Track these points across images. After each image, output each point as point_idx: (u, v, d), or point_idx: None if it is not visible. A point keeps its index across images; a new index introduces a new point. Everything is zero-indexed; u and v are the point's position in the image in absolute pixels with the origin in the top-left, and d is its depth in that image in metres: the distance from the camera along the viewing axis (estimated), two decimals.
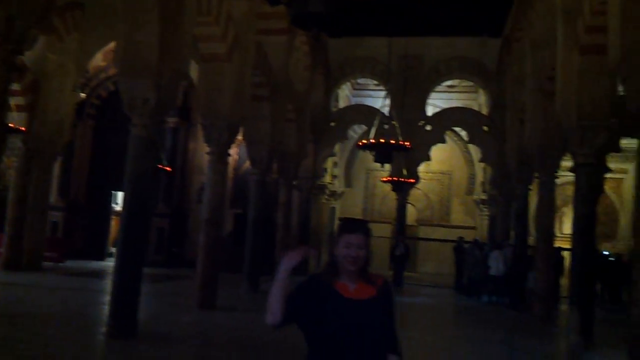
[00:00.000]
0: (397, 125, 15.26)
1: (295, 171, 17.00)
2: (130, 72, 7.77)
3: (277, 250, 16.61)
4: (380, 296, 2.32)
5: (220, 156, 10.81)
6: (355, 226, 2.35)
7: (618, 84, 8.92)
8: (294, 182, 17.63)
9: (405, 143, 14.45)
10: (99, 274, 15.26)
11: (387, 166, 18.95)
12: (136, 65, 7.70)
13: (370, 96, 23.09)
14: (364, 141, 15.16)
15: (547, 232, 12.16)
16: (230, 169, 18.87)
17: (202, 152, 16.48)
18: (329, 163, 22.94)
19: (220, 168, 10.87)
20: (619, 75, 7.46)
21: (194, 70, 12.45)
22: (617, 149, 16.26)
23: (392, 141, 13.97)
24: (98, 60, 19.67)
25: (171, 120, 19.31)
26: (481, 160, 20.50)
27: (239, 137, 14.42)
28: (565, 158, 12.79)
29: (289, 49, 14.62)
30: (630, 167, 21.15)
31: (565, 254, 14.76)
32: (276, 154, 14.47)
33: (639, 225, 6.64)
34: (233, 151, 18.65)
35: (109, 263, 16.00)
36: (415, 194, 22.78)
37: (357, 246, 2.28)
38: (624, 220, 22.97)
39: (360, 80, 23.90)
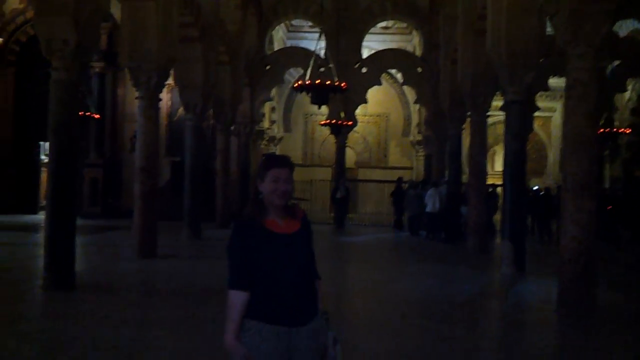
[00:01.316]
0: (332, 66, 15.10)
1: (232, 116, 16.66)
2: (46, 10, 7.24)
3: (216, 197, 16.45)
4: (303, 228, 2.43)
5: (150, 101, 10.40)
6: (282, 161, 2.43)
7: (546, 23, 9.11)
8: (232, 128, 17.31)
9: (341, 84, 14.35)
10: (32, 228, 14.73)
11: (325, 109, 18.90)
12: (52, 3, 7.17)
13: (306, 38, 22.67)
14: (300, 83, 14.94)
15: (480, 169, 12.57)
16: (163, 116, 18.31)
17: (132, 98, 15.83)
18: (266, 108, 22.63)
19: (151, 114, 10.48)
20: (547, 13, 7.58)
21: (118, 10, 11.75)
22: (546, 88, 16.87)
23: (328, 82, 13.83)
24: (15, 1, 18.29)
25: (97, 65, 18.40)
26: (416, 102, 20.74)
27: (171, 81, 13.95)
28: (496, 98, 13.13)
29: None
30: (558, 105, 22.04)
31: (499, 190, 15.39)
32: (211, 98, 14.07)
33: (566, 161, 6.92)
34: (165, 96, 18.05)
35: (42, 216, 15.42)
36: (353, 137, 22.95)
37: (284, 180, 2.35)
38: (553, 156, 24.10)
39: (294, 22, 23.39)
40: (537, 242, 15.12)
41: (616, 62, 16.35)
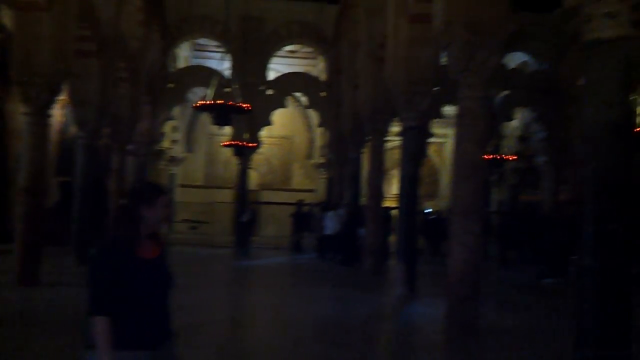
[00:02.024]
0: (237, 87, 14.96)
1: (130, 135, 16.02)
2: None
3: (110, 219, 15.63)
4: (163, 253, 2.47)
5: (38, 117, 9.74)
6: (163, 187, 2.49)
7: (440, 53, 9.59)
8: (128, 147, 16.63)
9: (245, 105, 14.23)
10: None
11: (229, 130, 18.70)
12: None
13: (212, 57, 22.40)
14: (201, 102, 14.63)
15: (377, 192, 12.89)
16: (55, 133, 17.24)
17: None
18: (168, 127, 22.02)
19: (39, 131, 9.81)
20: (441, 44, 7.96)
21: (10, 21, 11.00)
22: (440, 115, 17.68)
23: (230, 103, 13.67)
24: None
25: None
26: (320, 125, 21.06)
27: (64, 97, 13.20)
28: (394, 124, 13.60)
29: (119, 0, 13.55)
30: (451, 132, 23.19)
31: (395, 212, 15.84)
32: (107, 115, 13.45)
33: (454, 185, 7.23)
34: (58, 113, 17.03)
35: None
36: (257, 158, 22.81)
37: (168, 206, 2.42)
38: (445, 180, 25.27)
39: (200, 41, 23.07)
40: (429, 263, 15.66)
41: (505, 92, 17.50)
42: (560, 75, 16.05)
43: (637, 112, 12.42)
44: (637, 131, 12.05)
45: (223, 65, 17.71)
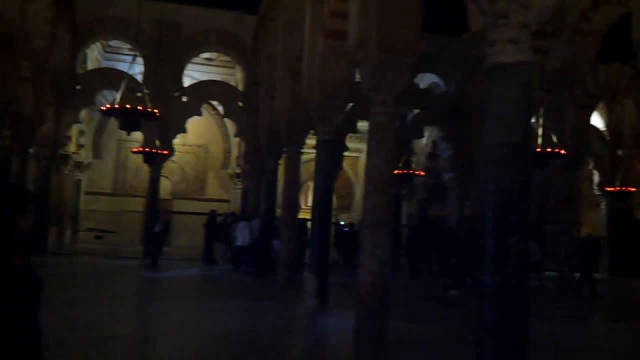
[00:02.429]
0: (147, 92, 14.46)
1: (32, 137, 15.11)
2: None
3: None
4: (28, 260, 2.27)
5: None
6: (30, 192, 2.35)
7: (355, 69, 9.79)
8: (30, 150, 15.67)
9: (154, 111, 13.75)
10: None
11: (140, 136, 18.08)
12: None
13: (124, 60, 21.56)
14: (108, 106, 13.96)
15: (292, 204, 12.91)
16: None
17: None
18: (74, 131, 20.96)
19: None
20: (356, 60, 8.13)
21: None
22: (355, 130, 18.06)
23: (140, 108, 13.18)
24: None
25: None
26: (236, 135, 20.87)
27: None
28: (311, 136, 13.71)
29: None
30: (365, 146, 23.72)
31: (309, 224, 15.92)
32: (7, 116, 12.62)
33: (365, 199, 7.36)
34: None
35: None
36: (170, 166, 22.24)
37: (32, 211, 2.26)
38: (359, 193, 25.77)
39: (112, 43, 22.24)
40: (343, 275, 15.86)
41: (415, 111, 18.17)
42: (466, 97, 16.88)
43: (536, 133, 13.29)
44: (536, 151, 12.92)
45: (135, 69, 17.11)
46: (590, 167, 21.90)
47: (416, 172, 17.96)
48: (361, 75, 7.81)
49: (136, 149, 18.38)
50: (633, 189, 21.20)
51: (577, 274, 14.42)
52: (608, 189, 21.36)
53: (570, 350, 8.02)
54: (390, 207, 7.30)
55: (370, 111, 7.54)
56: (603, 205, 22.55)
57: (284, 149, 13.67)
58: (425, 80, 19.71)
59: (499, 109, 4.45)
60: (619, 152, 22.14)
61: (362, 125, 17.89)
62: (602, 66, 14.64)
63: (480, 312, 4.45)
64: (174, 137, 18.83)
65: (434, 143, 21.67)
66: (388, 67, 7.22)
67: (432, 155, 22.41)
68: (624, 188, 20.83)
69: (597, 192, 22.59)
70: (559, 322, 10.19)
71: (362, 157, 24.64)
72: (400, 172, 16.84)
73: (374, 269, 6.90)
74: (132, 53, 20.15)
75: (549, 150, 13.32)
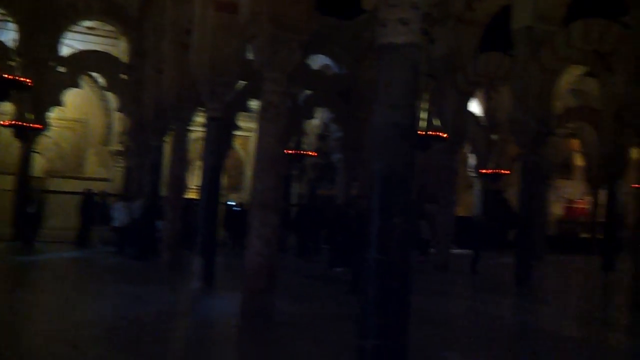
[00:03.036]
0: (19, 60, 13.19)
1: None
2: None
3: None
4: None
5: None
6: None
7: (246, 44, 9.55)
8: None
9: (26, 80, 12.55)
10: None
11: (10, 108, 16.55)
12: None
13: None
14: None
15: (179, 183, 12.46)
16: None
17: None
18: None
19: None
20: (248, 36, 7.91)
21: None
22: (247, 109, 17.78)
23: (8, 76, 11.99)
24: None
25: None
26: (119, 110, 19.72)
27: None
28: (200, 113, 13.27)
29: None
30: (256, 126, 23.48)
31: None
32: None
33: (255, 178, 7.24)
34: None
35: None
36: (44, 142, 20.58)
37: None
38: (249, 173, 25.55)
39: None
40: (231, 255, 15.65)
41: (307, 92, 18.21)
42: (356, 80, 17.18)
43: (421, 116, 13.84)
44: (420, 134, 13.47)
45: (6, 35, 15.56)
46: (467, 150, 23.30)
47: (307, 153, 18.05)
48: (253, 52, 7.62)
49: (6, 123, 16.80)
50: (505, 172, 22.87)
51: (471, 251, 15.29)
52: (482, 171, 22.86)
53: (445, 323, 8.50)
54: (280, 187, 7.25)
55: (262, 89, 7.39)
56: (477, 186, 24.12)
57: (171, 126, 13.12)
58: (317, 61, 19.80)
59: (387, 90, 4.49)
60: (494, 137, 23.75)
61: (254, 104, 17.68)
62: (482, 55, 15.48)
63: (364, 289, 4.52)
64: (48, 110, 17.42)
65: (325, 124, 21.95)
66: (280, 44, 7.10)
67: (322, 137, 22.69)
68: (497, 170, 22.40)
69: (472, 174, 24.11)
70: (439, 296, 10.77)
71: (253, 137, 24.44)
72: (291, 152, 16.84)
73: (262, 249, 6.83)
74: (3, 19, 18.35)
75: (431, 133, 13.92)
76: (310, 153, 19.66)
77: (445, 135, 14.26)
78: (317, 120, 22.63)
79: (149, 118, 14.89)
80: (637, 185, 24.70)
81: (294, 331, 7.07)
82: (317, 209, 17.65)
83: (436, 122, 14.51)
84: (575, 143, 26.53)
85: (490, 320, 9.12)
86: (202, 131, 12.06)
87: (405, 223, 4.40)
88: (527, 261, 12.92)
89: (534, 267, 13.09)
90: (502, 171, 22.62)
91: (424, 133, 13.77)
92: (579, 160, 28.35)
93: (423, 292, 10.18)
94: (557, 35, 13.05)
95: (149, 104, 14.97)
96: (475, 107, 22.80)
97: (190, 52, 10.29)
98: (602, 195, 21.41)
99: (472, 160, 23.85)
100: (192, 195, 16.73)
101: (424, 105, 14.41)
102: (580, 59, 16.81)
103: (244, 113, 18.22)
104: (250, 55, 9.51)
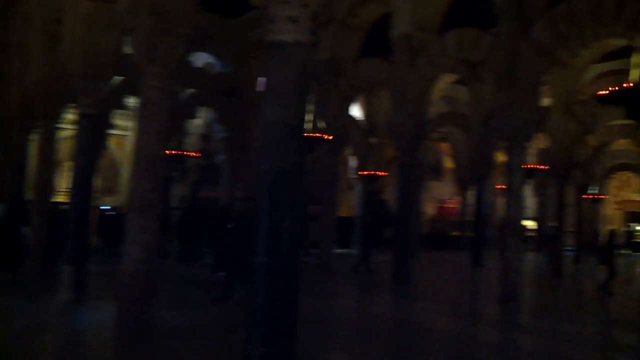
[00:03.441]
0: None
1: None
2: None
3: None
4: None
5: None
6: None
7: (124, 37, 8.97)
8: None
9: None
10: None
11: None
12: None
13: None
14: None
15: (46, 185, 11.47)
16: None
17: None
18: None
19: None
20: (126, 27, 7.42)
21: None
22: (124, 106, 16.83)
23: None
24: None
25: None
26: None
27: None
28: (72, 111, 12.31)
29: None
30: (133, 125, 22.34)
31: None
32: None
33: (133, 180, 6.79)
34: None
35: None
36: None
37: None
38: (126, 175, 24.26)
39: None
40: (105, 263, 14.69)
41: (189, 90, 17.62)
42: (241, 79, 16.92)
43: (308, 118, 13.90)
44: (308, 136, 13.52)
45: None
46: (348, 152, 23.91)
47: (189, 153, 17.45)
48: (132, 45, 7.15)
49: None
50: (383, 173, 23.74)
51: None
52: (362, 172, 23.57)
53: (330, 323, 8.57)
54: (159, 189, 6.84)
55: (141, 85, 6.95)
56: (357, 188, 24.83)
57: (38, 123, 12.06)
58: (200, 59, 19.26)
59: (277, 89, 4.39)
60: (373, 140, 24.59)
61: (132, 101, 16.79)
62: (363, 60, 15.91)
63: (252, 293, 4.36)
64: None
65: (208, 124, 21.40)
66: (162, 37, 6.72)
67: (205, 137, 22.10)
68: (375, 172, 23.19)
69: (352, 176, 24.78)
70: (323, 297, 10.86)
71: (131, 136, 23.23)
72: (172, 152, 16.19)
73: (139, 256, 6.41)
74: None
75: (315, 135, 14.06)
76: (193, 154, 19.07)
77: (329, 137, 14.46)
78: (200, 120, 22.02)
79: (13, 113, 13.60)
80: (501, 186, 26.78)
81: (176, 342, 6.70)
82: (200, 211, 17.13)
83: (320, 124, 14.68)
84: (445, 147, 28.23)
85: (373, 318, 9.34)
86: (73, 129, 11.18)
87: (295, 225, 4.32)
88: (404, 259, 13.47)
89: (410, 264, 13.64)
90: (380, 173, 23.46)
91: (308, 135, 13.86)
92: (449, 163, 30.22)
93: (307, 293, 10.19)
94: (433, 43, 13.75)
95: (13, 98, 13.67)
96: (355, 111, 23.45)
97: (62, 43, 9.50)
98: (471, 195, 22.96)
99: (352, 162, 24.51)
100: (61, 198, 15.51)
101: (308, 107, 14.51)
102: (452, 67, 17.89)
103: (120, 110, 17.26)
104: (128, 49, 8.98)
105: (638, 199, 32.40)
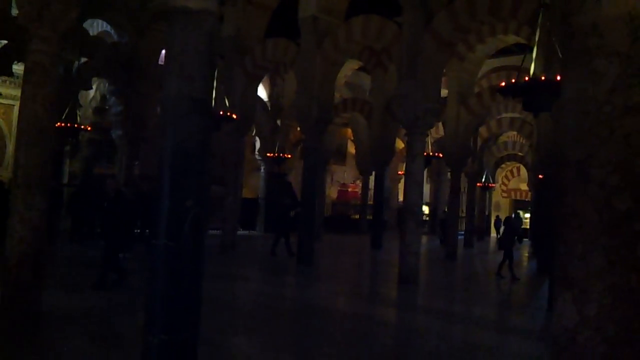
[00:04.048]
0: None
1: None
2: None
3: None
4: None
5: None
6: None
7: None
8: None
9: None
10: None
11: None
12: None
13: None
14: None
15: None
16: None
17: None
18: None
19: None
20: None
21: None
22: (10, 73, 15.43)
23: None
24: None
25: None
26: None
27: None
28: None
29: None
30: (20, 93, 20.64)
31: None
32: None
33: (19, 153, 6.21)
34: None
35: None
36: None
37: None
38: (11, 148, 22.42)
39: None
40: None
41: (83, 59, 16.47)
42: (142, 51, 16.08)
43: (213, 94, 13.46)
44: (214, 113, 13.08)
45: None
46: (253, 133, 23.61)
47: (82, 127, 16.34)
48: (18, 5, 6.48)
49: None
50: (288, 156, 23.71)
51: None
52: (268, 154, 23.40)
53: (233, 307, 8.42)
54: (48, 164, 6.30)
55: (28, 48, 6.33)
56: (262, 169, 24.64)
57: None
58: (95, 28, 18.08)
59: (182, 59, 4.11)
60: (278, 122, 24.46)
61: (19, 67, 15.42)
62: (270, 40, 15.63)
63: (152, 277, 4.11)
64: None
65: (103, 97, 20.21)
66: None
67: (100, 110, 20.87)
68: (281, 154, 23.11)
69: (257, 157, 24.55)
70: (227, 280, 10.65)
71: (17, 106, 21.45)
72: (63, 125, 15.08)
73: (27, 236, 5.88)
74: None
75: (221, 113, 13.67)
76: (86, 127, 17.92)
77: (235, 117, 14.13)
78: (94, 92, 20.74)
79: None
80: (401, 172, 27.63)
81: (68, 327, 6.26)
82: (93, 189, 16.18)
83: (225, 102, 14.30)
84: (348, 132, 28.71)
85: (276, 301, 9.29)
86: None
87: (199, 206, 4.10)
88: (309, 241, 13.54)
89: (314, 246, 13.75)
90: (285, 155, 23.42)
91: (214, 113, 13.44)
92: (351, 148, 30.80)
93: (210, 276, 9.95)
94: (340, 28, 13.79)
95: None
96: (261, 92, 23.16)
97: None
98: (372, 180, 23.54)
99: (257, 143, 24.25)
100: None
101: (214, 84, 14.06)
102: (357, 54, 18.11)
103: (5, 78, 15.84)
104: (15, 10, 8.17)
105: (524, 188, 34.80)
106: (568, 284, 2.14)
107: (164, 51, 18.61)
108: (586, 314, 2.06)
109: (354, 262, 17.28)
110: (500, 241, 15.00)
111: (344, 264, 16.12)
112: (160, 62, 15.99)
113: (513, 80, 7.14)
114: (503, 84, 7.41)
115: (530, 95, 6.80)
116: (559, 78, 6.76)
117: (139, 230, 14.09)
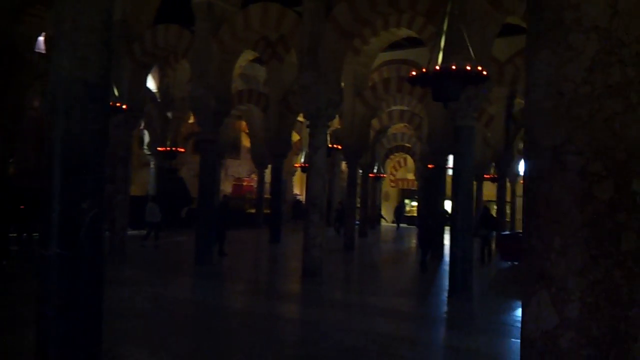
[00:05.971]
0: None
1: None
2: None
3: None
4: None
5: None
6: None
7: None
8: None
9: None
10: None
11: None
12: None
13: None
14: None
15: None
16: None
17: None
18: None
19: None
20: None
21: None
22: None
23: None
24: None
25: None
26: None
27: None
28: None
29: None
30: None
31: None
32: None
33: None
34: None
35: None
36: None
37: None
38: None
39: None
40: None
41: None
42: (16, 36, 14.48)
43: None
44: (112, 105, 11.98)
45: None
46: (142, 127, 22.33)
47: None
48: None
49: None
50: (181, 150, 22.70)
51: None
52: (159, 149, 22.25)
53: (130, 314, 7.74)
54: None
55: None
56: (152, 165, 23.41)
57: None
58: None
59: (73, 36, 3.51)
60: (169, 114, 23.30)
61: None
62: (161, 26, 14.67)
63: (44, 290, 3.49)
64: None
65: None
66: None
67: None
68: (173, 149, 22.06)
69: (147, 152, 23.28)
70: (118, 285, 9.82)
71: None
72: None
73: None
74: None
75: (110, 103, 12.60)
76: None
77: (124, 107, 13.11)
78: None
79: None
80: (298, 165, 27.50)
81: None
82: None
83: (116, 92, 13.23)
84: (242, 124, 28.10)
85: (174, 304, 8.70)
86: None
87: (96, 207, 3.53)
88: (207, 239, 12.93)
89: (212, 244, 13.17)
90: (178, 149, 22.41)
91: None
92: (245, 141, 30.20)
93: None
94: (237, 15, 13.25)
95: None
96: (149, 82, 21.94)
97: None
98: (267, 173, 23.15)
99: (146, 137, 22.98)
100: None
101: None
102: (254, 44, 17.60)
103: None
104: None
105: (411, 178, 36.11)
106: (545, 282, 1.95)
107: (41, 37, 16.98)
108: (567, 314, 1.88)
109: (253, 257, 16.85)
110: (420, 238, 14.45)
111: (243, 261, 15.64)
112: (37, 50, 14.52)
113: (424, 70, 7.11)
114: (414, 73, 7.37)
115: (440, 84, 6.81)
116: (468, 68, 6.83)
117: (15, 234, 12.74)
